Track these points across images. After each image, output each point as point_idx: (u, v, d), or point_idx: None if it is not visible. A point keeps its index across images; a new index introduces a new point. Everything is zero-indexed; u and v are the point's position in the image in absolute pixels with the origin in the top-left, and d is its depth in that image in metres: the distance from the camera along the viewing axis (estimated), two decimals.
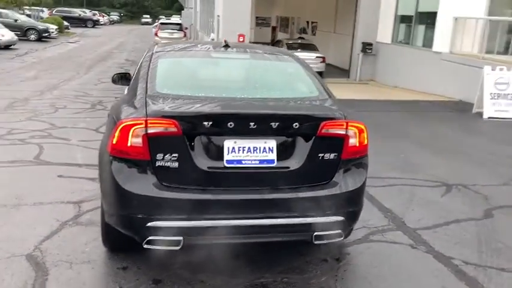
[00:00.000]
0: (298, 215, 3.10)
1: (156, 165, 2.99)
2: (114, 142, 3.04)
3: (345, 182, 3.26)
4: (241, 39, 16.29)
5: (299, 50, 17.41)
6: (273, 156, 3.12)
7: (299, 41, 19.77)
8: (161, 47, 4.09)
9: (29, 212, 4.49)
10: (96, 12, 59.74)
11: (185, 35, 26.89)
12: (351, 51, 17.97)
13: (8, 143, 6.90)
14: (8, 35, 22.47)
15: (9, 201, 4.68)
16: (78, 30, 40.13)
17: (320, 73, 16.85)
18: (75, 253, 3.70)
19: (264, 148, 3.11)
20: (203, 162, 3.04)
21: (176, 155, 2.99)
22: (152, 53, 3.86)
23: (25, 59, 19.27)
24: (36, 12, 37.79)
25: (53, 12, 45.31)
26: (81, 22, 47.63)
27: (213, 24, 21.68)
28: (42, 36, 28.23)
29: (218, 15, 19.26)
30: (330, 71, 19.06)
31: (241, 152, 3.08)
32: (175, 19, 40.44)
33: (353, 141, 3.27)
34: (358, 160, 3.36)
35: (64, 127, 8.04)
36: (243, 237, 3.21)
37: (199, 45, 4.36)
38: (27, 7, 36.58)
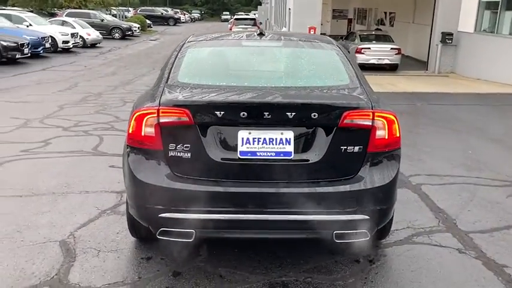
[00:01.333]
0: (315, 212, 2.87)
1: (169, 155, 2.94)
2: (130, 131, 3.03)
3: (370, 178, 2.98)
4: (311, 32, 16.01)
5: (373, 41, 16.81)
6: (290, 148, 2.94)
7: (373, 32, 19.07)
8: (195, 37, 4.02)
9: (74, 199, 4.65)
10: (178, 10, 61.87)
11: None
12: (429, 42, 16.97)
13: (73, 134, 7.26)
14: (93, 34, 23.87)
15: (59, 190, 4.89)
16: (160, 28, 41.79)
17: (395, 65, 16.38)
18: (105, 241, 3.76)
19: (281, 140, 2.93)
20: (216, 154, 2.93)
21: (188, 145, 2.92)
22: (184, 43, 3.80)
23: (107, 56, 20.35)
24: (121, 12, 39.90)
25: (138, 11, 47.54)
26: (163, 20, 49.54)
27: (285, 18, 21.53)
28: (126, 35, 29.69)
29: (289, 9, 19.08)
30: (408, 63, 18.21)
31: (256, 143, 2.93)
32: (251, 15, 40.76)
33: (381, 133, 2.98)
34: (388, 153, 3.06)
35: (127, 120, 8.30)
36: (256, 232, 3.05)
37: (233, 35, 4.23)
38: (113, 7, 38.68)
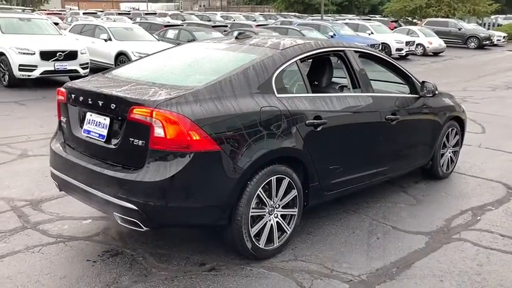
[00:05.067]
0: (104, 191, 3.12)
1: (60, 125, 3.56)
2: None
3: (146, 173, 3.00)
4: None
5: None
6: (105, 132, 3.26)
7: None
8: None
9: None
10: None
11: None
12: None
13: None
14: (435, 43, 23.44)
15: None
16: None
17: None
18: None
19: (104, 124, 3.24)
20: (76, 129, 3.46)
21: (64, 119, 3.54)
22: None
23: (432, 65, 19.78)
24: (492, 20, 36.66)
25: None
26: None
27: None
28: (483, 44, 27.55)
29: None
30: None
31: (91, 124, 3.33)
32: None
33: (159, 131, 2.95)
34: (169, 153, 2.97)
35: None
36: (77, 197, 3.51)
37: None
38: (486, 16, 36.06)
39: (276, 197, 3.43)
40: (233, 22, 24.91)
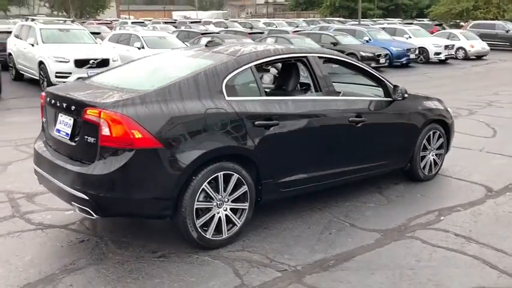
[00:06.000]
0: (64, 183, 3.55)
1: (42, 125, 4.10)
2: None
3: (96, 167, 3.38)
4: None
5: None
6: (69, 131, 3.62)
7: None
8: None
9: None
10: None
11: None
12: None
13: None
14: (477, 46, 22.80)
15: None
16: None
17: None
18: None
19: (69, 124, 3.66)
20: (51, 128, 3.92)
21: (44, 120, 4.03)
22: None
23: (473, 69, 19.31)
24: None
25: None
26: None
27: None
28: None
29: None
30: None
31: (61, 124, 3.74)
32: None
33: (106, 130, 3.31)
34: (114, 149, 3.35)
35: None
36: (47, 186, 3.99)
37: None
38: None
39: (225, 191, 3.72)
40: (270, 29, 25.28)
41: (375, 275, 3.45)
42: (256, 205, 4.03)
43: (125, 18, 53.11)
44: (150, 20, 36.92)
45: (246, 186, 3.82)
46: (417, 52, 20.24)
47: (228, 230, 3.79)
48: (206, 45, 4.52)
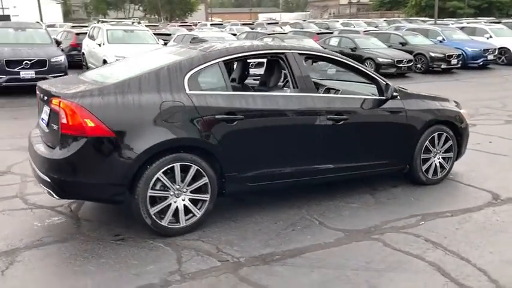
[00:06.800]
0: (37, 166, 3.92)
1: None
2: None
3: (56, 152, 3.70)
4: None
5: None
6: (46, 119, 3.96)
7: None
8: None
9: None
10: None
11: None
12: None
13: None
14: None
15: None
16: None
17: None
18: None
19: (47, 113, 4.00)
20: (40, 118, 4.29)
21: (38, 111, 4.41)
22: None
23: None
24: None
25: None
26: None
27: None
28: None
29: None
30: None
31: (44, 113, 4.10)
32: None
33: (64, 118, 3.60)
34: (71, 136, 3.62)
35: None
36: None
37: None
38: None
39: (182, 182, 3.86)
40: (341, 29, 24.92)
41: (314, 273, 3.41)
42: (223, 197, 4.14)
43: (211, 20, 54.92)
44: (229, 22, 37.94)
45: (206, 178, 3.93)
46: (497, 53, 18.89)
47: (186, 220, 3.93)
48: (190, 42, 4.69)
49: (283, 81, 5.14)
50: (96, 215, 4.37)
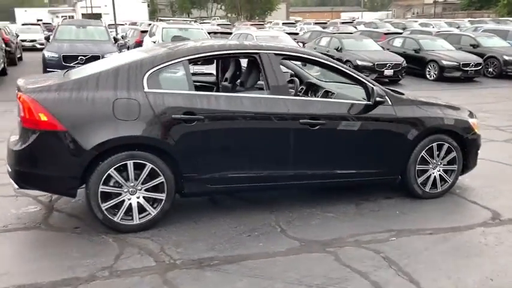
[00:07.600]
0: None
1: None
2: None
3: (16, 144, 3.87)
4: None
5: None
6: (18, 112, 4.03)
7: None
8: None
9: None
10: None
11: None
12: None
13: None
14: None
15: None
16: None
17: None
18: None
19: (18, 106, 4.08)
20: None
21: None
22: None
23: None
24: None
25: None
26: None
27: None
28: None
29: None
30: None
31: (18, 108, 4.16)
32: None
33: (22, 112, 3.76)
34: (27, 129, 3.76)
35: None
36: None
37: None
38: None
39: (137, 180, 3.89)
40: (412, 29, 23.76)
41: (242, 282, 3.28)
42: (184, 197, 4.14)
43: (294, 19, 54.84)
44: (299, 21, 37.73)
45: (162, 177, 3.92)
46: None
47: (140, 218, 3.94)
48: (172, 40, 4.69)
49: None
50: (70, 208, 4.51)
